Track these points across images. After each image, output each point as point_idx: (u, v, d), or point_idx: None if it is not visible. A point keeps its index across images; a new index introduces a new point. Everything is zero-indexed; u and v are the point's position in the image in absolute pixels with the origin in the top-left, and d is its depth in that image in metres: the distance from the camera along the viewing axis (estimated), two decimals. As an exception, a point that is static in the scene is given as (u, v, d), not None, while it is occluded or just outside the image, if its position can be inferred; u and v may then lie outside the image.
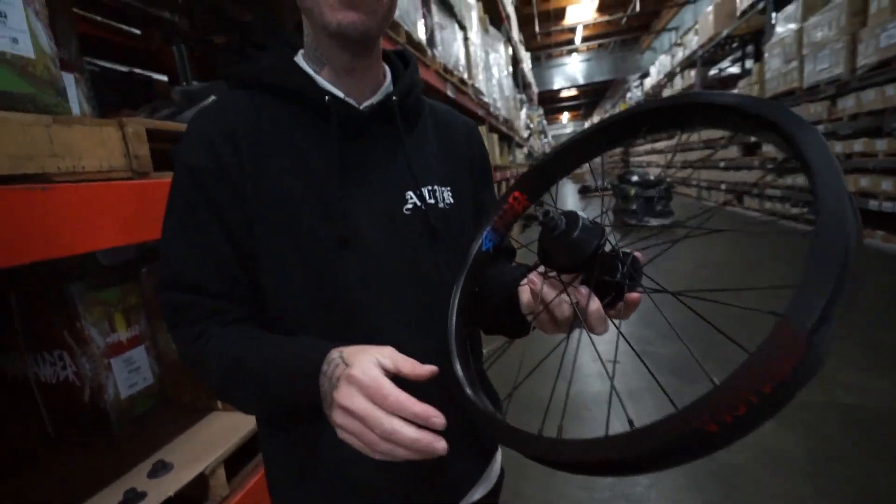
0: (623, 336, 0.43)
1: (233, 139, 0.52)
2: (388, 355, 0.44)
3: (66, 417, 0.91)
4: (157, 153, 0.74)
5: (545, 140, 19.51)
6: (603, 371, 2.48)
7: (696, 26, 9.14)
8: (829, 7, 4.76)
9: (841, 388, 2.06)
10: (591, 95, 25.99)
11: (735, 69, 9.22)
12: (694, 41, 9.22)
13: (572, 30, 16.35)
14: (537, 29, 14.54)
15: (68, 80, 0.94)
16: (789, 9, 5.71)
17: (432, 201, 0.59)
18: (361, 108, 0.57)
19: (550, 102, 26.87)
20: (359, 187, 0.55)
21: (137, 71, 1.55)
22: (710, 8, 8.14)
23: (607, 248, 0.44)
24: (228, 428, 0.90)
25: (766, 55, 6.09)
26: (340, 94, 0.56)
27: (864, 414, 1.86)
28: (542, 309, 0.48)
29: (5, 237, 0.49)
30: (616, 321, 0.46)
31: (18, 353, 0.90)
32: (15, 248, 0.50)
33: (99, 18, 1.32)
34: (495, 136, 4.98)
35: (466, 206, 0.65)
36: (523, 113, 8.74)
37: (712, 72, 9.57)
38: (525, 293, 0.54)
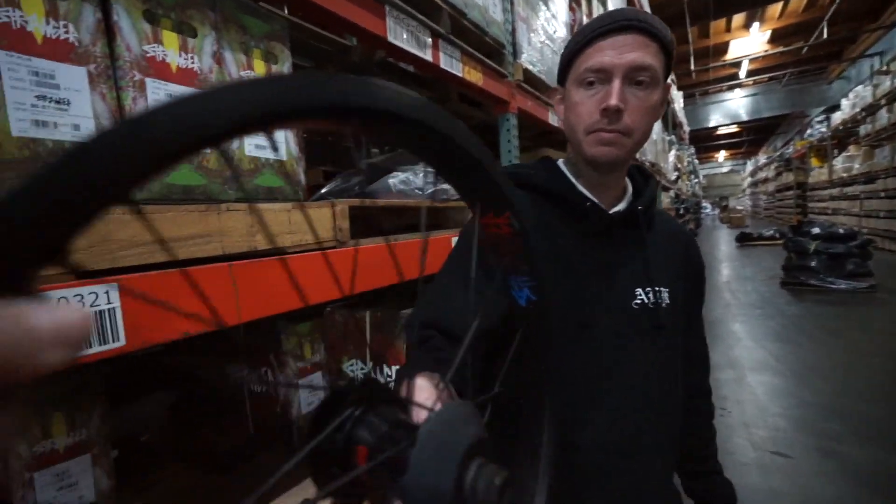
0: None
1: None
2: None
3: (263, 422, 1.15)
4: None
5: (695, 181, 17.65)
6: (762, 461, 2.09)
7: (910, 51, 7.48)
8: None
9: None
10: (755, 132, 22.89)
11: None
12: (906, 68, 7.55)
13: (736, 64, 14.82)
14: (692, 66, 13.55)
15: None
16: None
17: (657, 301, 0.69)
18: (611, 212, 0.70)
19: (705, 140, 24.41)
20: (599, 279, 0.66)
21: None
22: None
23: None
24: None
25: None
26: (596, 201, 0.69)
27: None
28: None
29: (264, 296, 0.69)
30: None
31: (239, 365, 1.18)
32: (270, 303, 0.69)
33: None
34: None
35: (678, 309, 0.72)
36: (672, 154, 8.12)
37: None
38: None
